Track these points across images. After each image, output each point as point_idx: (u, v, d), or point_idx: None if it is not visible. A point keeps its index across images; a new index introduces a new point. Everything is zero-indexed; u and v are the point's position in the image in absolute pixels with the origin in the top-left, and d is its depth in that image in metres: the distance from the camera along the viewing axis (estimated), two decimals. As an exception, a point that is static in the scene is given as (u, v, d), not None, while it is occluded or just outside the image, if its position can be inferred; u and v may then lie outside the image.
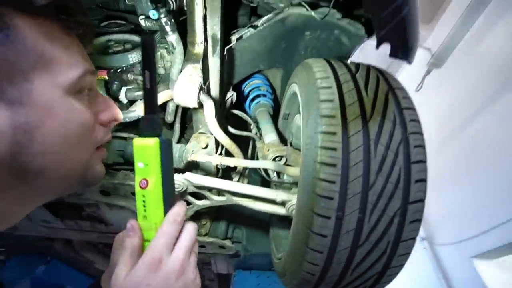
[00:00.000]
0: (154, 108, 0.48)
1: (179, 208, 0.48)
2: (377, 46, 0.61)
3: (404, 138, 0.79)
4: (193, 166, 1.23)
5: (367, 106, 0.82)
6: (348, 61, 1.48)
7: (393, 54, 0.61)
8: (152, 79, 0.46)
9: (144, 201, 0.45)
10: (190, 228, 0.48)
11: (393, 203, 0.76)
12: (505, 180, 2.03)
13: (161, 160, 0.46)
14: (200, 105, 1.08)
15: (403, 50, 0.62)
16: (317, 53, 1.67)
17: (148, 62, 0.46)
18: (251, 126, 1.54)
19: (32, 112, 0.39)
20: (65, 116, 0.42)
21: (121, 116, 0.54)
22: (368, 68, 0.99)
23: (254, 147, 1.51)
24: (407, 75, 3.00)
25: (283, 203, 1.17)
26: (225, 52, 1.20)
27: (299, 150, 1.43)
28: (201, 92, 1.06)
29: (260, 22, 1.14)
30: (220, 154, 1.33)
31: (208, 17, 1.01)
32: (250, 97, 1.78)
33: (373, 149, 0.77)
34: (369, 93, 0.85)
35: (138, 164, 0.46)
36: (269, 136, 1.43)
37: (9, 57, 0.37)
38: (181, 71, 1.06)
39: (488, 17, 1.95)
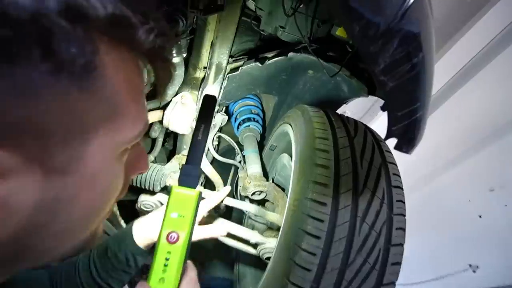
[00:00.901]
0: (198, 160, 0.48)
1: (194, 274, 0.44)
2: (386, 138, 0.60)
3: (389, 218, 0.79)
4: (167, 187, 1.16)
5: (360, 179, 0.81)
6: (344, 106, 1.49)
7: (398, 147, 0.60)
8: (204, 133, 0.48)
9: (167, 259, 0.39)
10: None
11: (368, 283, 0.76)
12: (453, 234, 2.20)
13: (195, 215, 0.44)
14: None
15: (408, 146, 0.61)
16: (314, 91, 1.66)
17: (205, 117, 0.49)
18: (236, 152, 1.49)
19: (72, 184, 0.26)
20: (106, 186, 0.31)
21: (148, 167, 0.47)
22: (366, 132, 0.99)
23: (236, 173, 1.47)
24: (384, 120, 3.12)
25: (255, 245, 1.14)
26: (225, 79, 1.15)
27: (281, 187, 1.41)
28: (194, 120, 1.00)
29: (268, 62, 1.10)
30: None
31: (217, 44, 0.95)
32: (241, 118, 1.73)
33: (358, 226, 0.76)
34: (363, 165, 0.85)
35: (172, 214, 0.42)
36: (253, 167, 1.39)
37: (78, 110, 0.24)
38: (176, 93, 0.99)
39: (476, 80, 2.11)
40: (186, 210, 0.42)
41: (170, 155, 1.41)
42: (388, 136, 0.59)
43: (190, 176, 0.45)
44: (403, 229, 0.80)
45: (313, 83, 1.56)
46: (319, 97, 1.66)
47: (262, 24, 1.17)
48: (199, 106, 0.55)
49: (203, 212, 0.83)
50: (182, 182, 0.45)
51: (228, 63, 1.06)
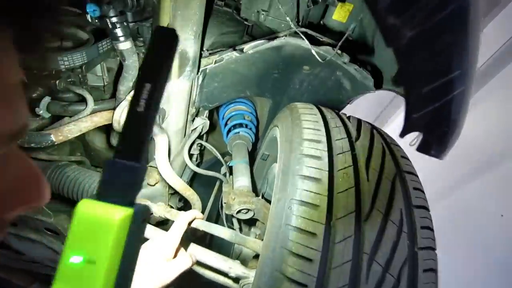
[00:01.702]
0: (139, 150, 0.25)
1: None
2: (402, 134, 0.36)
3: (412, 255, 0.53)
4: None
5: (366, 196, 0.57)
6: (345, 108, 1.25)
7: (423, 147, 0.36)
8: (153, 99, 0.25)
9: None
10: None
11: None
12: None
13: (124, 251, 0.23)
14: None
15: (439, 145, 0.36)
16: (312, 90, 1.44)
17: (155, 68, 0.26)
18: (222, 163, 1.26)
19: None
20: None
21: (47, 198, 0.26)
22: (372, 132, 0.74)
23: (221, 187, 1.23)
24: (400, 124, 2.84)
25: (237, 278, 0.89)
26: (199, 74, 0.94)
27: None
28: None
29: (246, 47, 0.88)
30: (174, 194, 1.04)
31: (178, 26, 0.75)
32: (231, 123, 1.52)
33: (365, 269, 0.50)
34: (370, 176, 0.60)
35: (72, 259, 0.22)
36: (240, 180, 1.16)
37: None
38: (132, 89, 0.78)
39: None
40: (102, 249, 0.22)
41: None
42: (407, 130, 0.36)
43: (118, 182, 0.24)
44: (434, 271, 0.54)
45: (311, 81, 1.33)
46: (318, 98, 1.43)
47: (242, 10, 0.97)
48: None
49: (169, 244, 0.57)
50: (103, 192, 0.24)
51: (200, 54, 0.85)
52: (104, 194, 0.24)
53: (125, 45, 0.71)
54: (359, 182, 0.58)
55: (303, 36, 0.86)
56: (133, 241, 0.24)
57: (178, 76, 0.83)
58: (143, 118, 0.24)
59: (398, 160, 0.67)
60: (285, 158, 0.66)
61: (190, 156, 1.21)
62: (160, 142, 0.80)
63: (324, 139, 0.65)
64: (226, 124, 1.56)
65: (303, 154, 0.61)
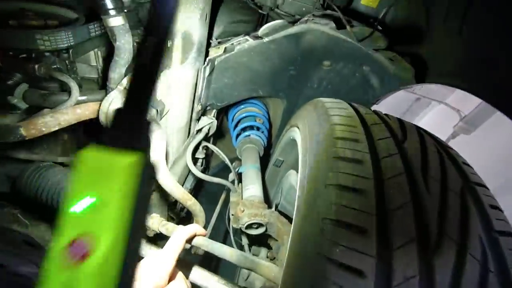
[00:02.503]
0: (145, 103, 0.23)
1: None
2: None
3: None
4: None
5: (429, 217, 0.40)
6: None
7: None
8: (157, 51, 0.23)
9: None
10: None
11: None
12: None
13: (138, 199, 0.21)
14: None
15: None
16: (333, 90, 1.28)
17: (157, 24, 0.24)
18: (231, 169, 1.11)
19: None
20: None
21: None
22: (420, 132, 0.58)
23: (229, 197, 1.08)
24: (427, 129, 2.64)
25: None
26: (205, 65, 0.80)
27: (288, 217, 1.00)
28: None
29: (262, 29, 0.74)
30: (175, 203, 0.89)
31: (182, 5, 0.61)
32: (241, 125, 1.37)
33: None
34: (431, 187, 0.43)
35: (81, 202, 0.19)
36: (250, 189, 1.00)
37: None
38: (125, 76, 0.65)
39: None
40: (111, 189, 0.19)
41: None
42: None
43: (125, 131, 0.22)
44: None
45: (331, 79, 1.17)
46: (339, 98, 1.27)
47: (257, -6, 0.83)
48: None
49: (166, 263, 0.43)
50: (109, 139, 0.21)
51: (207, 41, 0.71)
52: (110, 142, 0.21)
53: (116, 20, 0.58)
54: (417, 195, 0.41)
55: (336, 10, 0.70)
56: (145, 187, 0.22)
57: (181, 63, 0.69)
58: (148, 70, 0.23)
59: (462, 168, 0.50)
60: (311, 163, 0.50)
61: (195, 160, 1.07)
62: (157, 140, 0.66)
63: (363, 138, 0.49)
64: (235, 127, 1.42)
65: (338, 157, 0.45)
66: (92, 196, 0.20)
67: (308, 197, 0.46)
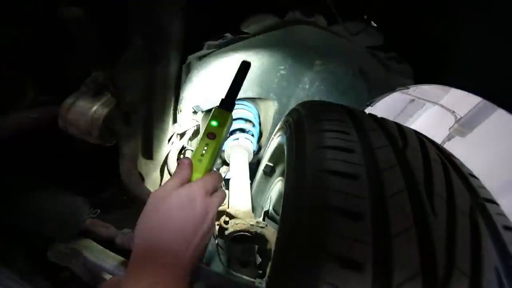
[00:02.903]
0: (234, 95, 0.54)
1: (219, 173, 0.49)
2: None
3: None
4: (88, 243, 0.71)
5: (436, 246, 0.33)
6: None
7: None
8: (241, 81, 0.56)
9: (205, 148, 0.49)
10: (223, 193, 0.48)
11: None
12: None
13: (228, 127, 0.52)
14: (108, 140, 0.58)
15: None
16: (325, 91, 1.21)
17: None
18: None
19: None
20: None
21: None
22: (420, 138, 0.51)
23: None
24: (421, 131, 2.60)
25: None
26: (187, 64, 0.72)
27: (277, 224, 0.93)
28: (113, 123, 0.57)
29: (246, 24, 0.67)
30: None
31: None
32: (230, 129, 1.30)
33: None
34: (437, 209, 0.36)
35: (212, 122, 0.50)
36: (237, 197, 0.93)
37: None
38: (82, 77, 0.57)
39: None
40: (223, 121, 0.50)
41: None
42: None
43: (228, 105, 0.52)
44: None
45: (324, 79, 1.11)
46: (331, 100, 1.21)
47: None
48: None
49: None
50: (222, 106, 0.52)
51: (179, 32, 0.64)
52: (222, 107, 0.52)
53: None
54: (422, 217, 0.35)
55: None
56: (229, 127, 0.53)
57: (158, 61, 0.61)
58: (237, 86, 0.55)
59: (468, 181, 0.44)
60: (295, 177, 0.43)
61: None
62: (125, 146, 0.59)
63: (358, 147, 0.42)
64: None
65: (327, 171, 0.38)
66: (218, 121, 0.49)
67: (285, 224, 0.38)
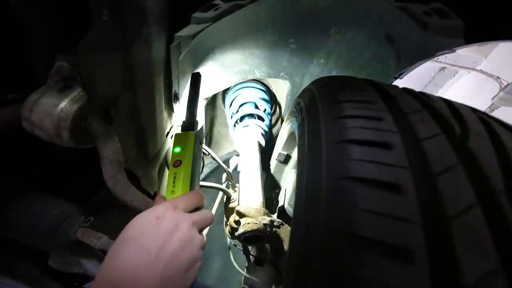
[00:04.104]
0: (193, 114, 0.57)
1: (200, 191, 0.48)
2: None
3: None
4: (83, 249, 0.64)
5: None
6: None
7: None
8: (195, 98, 0.60)
9: (174, 178, 0.47)
10: (207, 212, 0.45)
11: None
12: None
13: (194, 147, 0.51)
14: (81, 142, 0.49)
15: None
16: (344, 65, 1.05)
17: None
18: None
19: None
20: None
21: None
22: (485, 120, 0.36)
23: (229, 199, 0.91)
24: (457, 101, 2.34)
25: None
26: (175, 43, 0.60)
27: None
28: (87, 122, 0.47)
29: None
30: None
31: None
32: (239, 114, 1.18)
33: None
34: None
35: (175, 149, 0.50)
36: (249, 192, 0.82)
37: None
38: (47, 68, 0.48)
39: None
40: (186, 144, 0.50)
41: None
42: None
43: (188, 125, 0.55)
44: None
45: (341, 50, 0.94)
46: (353, 74, 1.04)
47: None
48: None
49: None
50: (182, 129, 0.55)
51: (169, 8, 0.51)
52: (183, 129, 0.54)
53: None
54: (508, 252, 0.22)
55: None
56: (197, 146, 0.52)
57: (135, 41, 0.49)
58: (193, 103, 0.58)
59: None
60: (308, 189, 0.31)
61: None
62: (104, 148, 0.49)
63: (397, 140, 0.29)
64: (232, 114, 1.23)
65: (353, 178, 0.26)
66: (181, 147, 0.50)
67: (297, 231, 0.27)
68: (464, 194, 0.24)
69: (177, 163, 0.48)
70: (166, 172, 0.80)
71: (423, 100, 0.38)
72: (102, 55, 0.47)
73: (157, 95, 0.62)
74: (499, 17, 0.44)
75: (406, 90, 0.44)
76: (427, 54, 0.66)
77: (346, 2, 0.65)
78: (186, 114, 0.57)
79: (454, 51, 0.60)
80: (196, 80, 0.64)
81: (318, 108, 0.40)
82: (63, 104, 0.46)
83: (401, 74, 0.87)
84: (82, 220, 0.61)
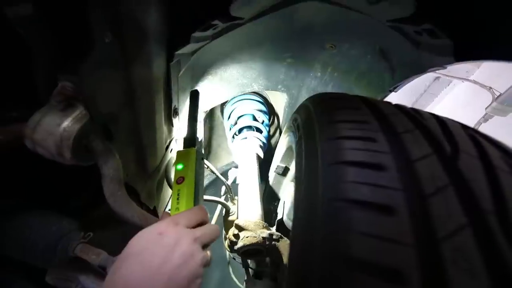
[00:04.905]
0: (193, 131, 0.59)
1: (204, 207, 0.47)
2: None
3: None
4: (82, 265, 0.64)
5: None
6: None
7: None
8: (195, 115, 0.62)
9: (178, 195, 0.48)
10: (211, 226, 0.44)
11: None
12: None
13: (196, 164, 0.52)
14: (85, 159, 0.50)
15: None
16: (339, 78, 1.07)
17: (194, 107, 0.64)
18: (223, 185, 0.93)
19: None
20: None
21: None
22: (474, 137, 0.38)
23: (228, 212, 0.91)
24: (449, 112, 2.36)
25: None
26: (175, 61, 0.62)
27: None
28: (88, 140, 0.48)
29: (236, 6, 0.53)
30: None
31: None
32: (237, 127, 1.19)
33: None
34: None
35: (178, 166, 0.52)
36: (247, 205, 0.83)
37: None
38: (50, 87, 0.49)
39: None
40: (188, 161, 0.51)
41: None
42: None
43: (190, 141, 0.57)
44: None
45: (337, 64, 0.96)
46: (347, 88, 1.06)
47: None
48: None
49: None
50: (184, 146, 0.56)
51: (157, 21, 0.53)
52: (185, 145, 0.56)
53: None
54: (501, 279, 0.22)
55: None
56: (199, 163, 0.53)
57: (138, 60, 0.51)
58: (193, 120, 0.61)
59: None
60: (305, 210, 0.32)
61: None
62: (105, 166, 0.50)
63: (390, 161, 0.30)
64: (231, 127, 1.24)
65: (348, 200, 0.27)
66: (183, 163, 0.51)
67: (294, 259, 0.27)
68: (455, 215, 0.25)
69: (180, 180, 0.49)
70: (165, 186, 0.81)
71: (415, 118, 0.40)
72: (103, 74, 0.48)
73: (157, 111, 0.64)
74: (486, 38, 0.47)
75: (398, 107, 0.45)
76: (420, 69, 0.69)
77: (340, 19, 0.68)
78: (187, 131, 0.59)
79: (445, 67, 0.62)
80: (195, 97, 0.66)
81: (314, 127, 0.41)
82: (65, 123, 0.47)
83: (395, 87, 0.89)
84: (81, 236, 0.61)
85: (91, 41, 0.45)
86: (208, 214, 0.48)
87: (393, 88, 0.88)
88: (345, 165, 0.30)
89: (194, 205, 0.48)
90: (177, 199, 0.48)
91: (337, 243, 0.25)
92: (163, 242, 0.36)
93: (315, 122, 0.42)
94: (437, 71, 2.35)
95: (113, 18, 0.46)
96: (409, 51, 0.67)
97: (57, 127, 0.46)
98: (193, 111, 0.62)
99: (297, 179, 0.40)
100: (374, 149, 0.32)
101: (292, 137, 0.60)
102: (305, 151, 0.40)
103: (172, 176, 0.77)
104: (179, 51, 0.63)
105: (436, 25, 0.48)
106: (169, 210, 0.48)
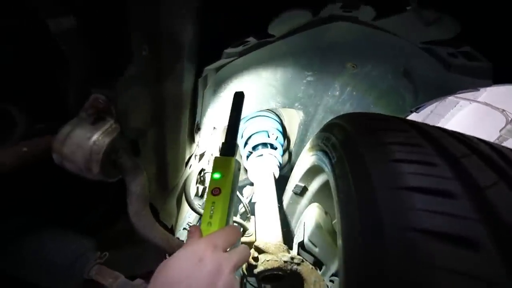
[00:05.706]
0: (234, 136, 0.53)
1: (238, 227, 0.48)
2: None
3: None
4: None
5: None
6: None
7: None
8: (237, 118, 0.55)
9: (212, 208, 0.45)
10: (244, 249, 0.41)
11: None
12: None
13: (234, 175, 0.49)
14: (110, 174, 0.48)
15: None
16: (358, 97, 1.07)
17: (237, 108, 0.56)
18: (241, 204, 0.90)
19: None
20: None
21: None
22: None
23: (245, 232, 0.87)
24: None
25: None
26: (203, 76, 0.61)
27: (315, 258, 0.78)
28: (117, 155, 0.47)
29: (273, 25, 0.54)
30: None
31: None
32: (252, 144, 1.18)
33: None
34: None
35: (215, 175, 0.48)
36: (266, 226, 0.79)
37: None
38: (80, 100, 0.48)
39: None
40: (226, 171, 0.48)
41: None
42: None
43: (229, 149, 0.51)
44: None
45: (357, 84, 0.96)
46: (366, 107, 1.06)
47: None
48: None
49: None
50: (223, 152, 0.51)
51: (193, 39, 0.53)
52: (223, 153, 0.51)
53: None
54: None
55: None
56: (236, 174, 0.50)
57: (169, 76, 0.50)
58: (235, 124, 0.55)
59: None
60: (362, 229, 0.30)
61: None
62: (133, 182, 0.48)
63: (457, 188, 0.28)
64: (245, 144, 1.23)
65: (422, 230, 0.25)
66: (221, 173, 0.48)
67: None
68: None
69: (216, 191, 0.46)
70: (184, 204, 0.78)
71: (465, 141, 0.38)
72: (137, 88, 0.47)
73: (182, 127, 0.62)
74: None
75: (442, 130, 0.44)
76: (448, 90, 0.68)
77: (368, 38, 0.68)
78: (226, 137, 0.53)
79: (478, 89, 0.62)
80: (239, 99, 0.58)
81: (358, 147, 0.40)
82: (95, 136, 0.45)
83: (418, 108, 0.89)
84: (97, 255, 0.58)
85: (129, 55, 0.45)
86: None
87: (416, 108, 0.88)
88: (409, 191, 0.29)
89: (227, 222, 0.45)
90: (210, 212, 0.44)
91: (418, 277, 0.22)
92: (206, 270, 0.34)
93: (359, 142, 0.41)
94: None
95: (152, 32, 0.46)
96: (436, 73, 0.67)
97: (87, 140, 0.45)
98: (235, 115, 0.55)
99: (342, 201, 0.38)
100: (437, 175, 0.30)
101: (322, 156, 0.59)
102: (351, 172, 0.38)
103: (192, 192, 0.75)
104: (208, 67, 0.63)
105: (474, 47, 0.48)
106: (199, 223, 0.45)
